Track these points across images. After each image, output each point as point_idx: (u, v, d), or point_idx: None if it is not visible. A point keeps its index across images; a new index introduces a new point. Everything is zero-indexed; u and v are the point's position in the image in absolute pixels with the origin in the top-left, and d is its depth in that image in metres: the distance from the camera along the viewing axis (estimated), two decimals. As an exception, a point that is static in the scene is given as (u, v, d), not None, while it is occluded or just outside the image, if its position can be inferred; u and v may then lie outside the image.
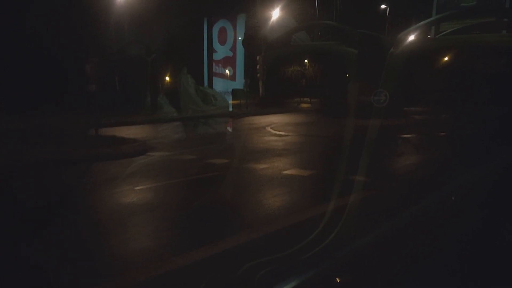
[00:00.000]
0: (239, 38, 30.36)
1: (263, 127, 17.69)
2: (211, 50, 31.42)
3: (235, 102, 29.15)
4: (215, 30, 32.16)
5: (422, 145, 13.37)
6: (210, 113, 25.24)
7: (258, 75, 27.13)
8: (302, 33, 31.95)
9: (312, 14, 34.69)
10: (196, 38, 31.40)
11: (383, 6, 34.65)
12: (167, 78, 37.31)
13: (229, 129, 18.66)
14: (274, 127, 17.31)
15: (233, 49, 30.89)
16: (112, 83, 23.07)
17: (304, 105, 35.49)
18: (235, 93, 29.63)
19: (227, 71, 31.12)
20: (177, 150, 11.37)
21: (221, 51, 31.17)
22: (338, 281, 3.35)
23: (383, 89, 16.08)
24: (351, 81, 21.37)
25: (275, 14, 26.46)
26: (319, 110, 26.45)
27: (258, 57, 26.54)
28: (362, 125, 15.33)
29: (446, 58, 26.05)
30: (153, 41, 32.47)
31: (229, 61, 31.10)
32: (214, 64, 31.23)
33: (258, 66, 26.74)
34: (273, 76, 28.84)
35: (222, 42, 32.15)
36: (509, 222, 4.83)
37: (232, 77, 31.05)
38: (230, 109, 27.19)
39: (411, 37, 23.27)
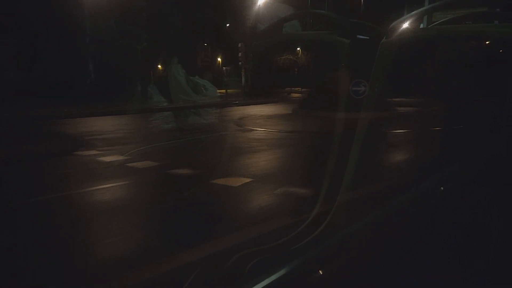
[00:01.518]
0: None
1: (233, 120, 15.90)
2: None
3: (221, 91, 27.45)
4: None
5: (402, 145, 11.45)
6: (200, 103, 23.89)
7: (240, 63, 25.18)
8: (294, 22, 29.93)
9: (304, 2, 32.56)
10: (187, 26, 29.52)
11: None
12: (159, 66, 35.53)
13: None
14: (245, 120, 15.51)
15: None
16: (88, 71, 21.43)
17: (295, 95, 33.45)
18: (224, 83, 27.96)
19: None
20: (114, 148, 9.60)
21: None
22: (321, 273, 3.24)
23: (363, 79, 14.28)
24: (338, 71, 19.48)
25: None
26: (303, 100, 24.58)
27: (240, 45, 24.51)
28: (340, 119, 13.59)
29: (437, 48, 24.22)
30: (143, 29, 30.66)
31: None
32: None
33: (240, 54, 24.75)
34: (264, 64, 26.93)
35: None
36: (497, 210, 4.79)
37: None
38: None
39: (404, 27, 21.45)
